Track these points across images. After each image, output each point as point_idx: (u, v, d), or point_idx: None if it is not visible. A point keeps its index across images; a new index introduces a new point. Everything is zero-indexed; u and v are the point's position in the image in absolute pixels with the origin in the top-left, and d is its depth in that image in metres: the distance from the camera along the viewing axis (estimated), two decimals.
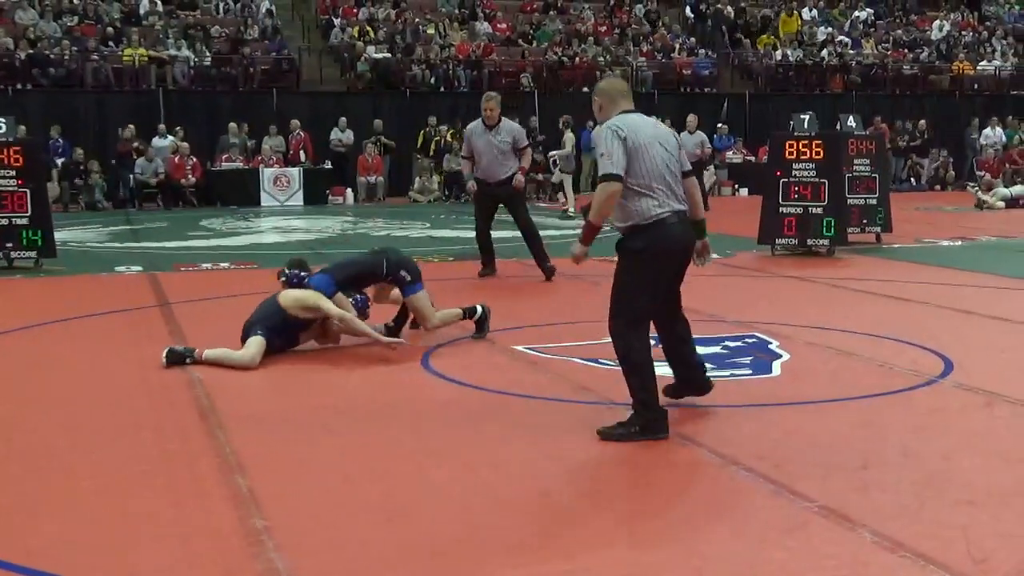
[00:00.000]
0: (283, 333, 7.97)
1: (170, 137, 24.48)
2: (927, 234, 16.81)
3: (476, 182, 12.35)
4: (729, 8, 33.59)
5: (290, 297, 8.00)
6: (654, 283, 5.99)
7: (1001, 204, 22.04)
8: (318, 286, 8.11)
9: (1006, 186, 23.75)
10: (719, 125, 28.82)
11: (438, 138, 26.07)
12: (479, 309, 8.72)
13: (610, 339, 5.99)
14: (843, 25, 34.49)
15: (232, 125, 25.11)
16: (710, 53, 31.80)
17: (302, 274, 8.27)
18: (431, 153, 25.99)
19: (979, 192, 22.70)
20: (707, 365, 7.67)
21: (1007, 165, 27.22)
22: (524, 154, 12.30)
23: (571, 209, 20.39)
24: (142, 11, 28.52)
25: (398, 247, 9.62)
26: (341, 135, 25.73)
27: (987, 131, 28.79)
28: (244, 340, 7.80)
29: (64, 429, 6.15)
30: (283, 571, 4.08)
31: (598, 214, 5.83)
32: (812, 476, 5.13)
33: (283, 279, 8.28)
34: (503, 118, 12.24)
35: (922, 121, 29.27)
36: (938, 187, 28.33)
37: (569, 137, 23.39)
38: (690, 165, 6.36)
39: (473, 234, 12.95)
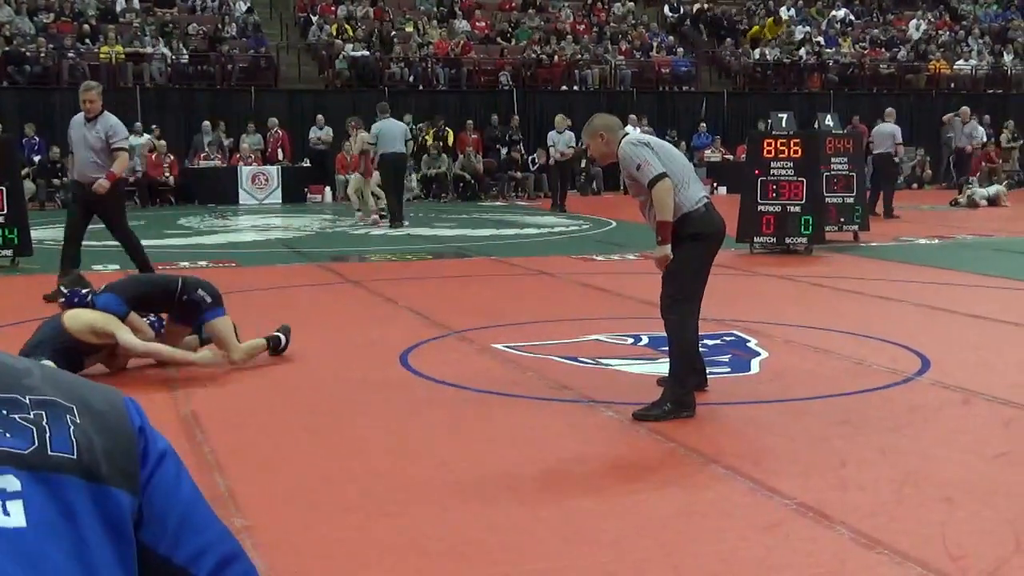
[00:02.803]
0: (67, 357, 6.86)
1: (147, 135, 24.37)
2: (905, 232, 16.89)
3: (74, 184, 10.99)
4: (707, 7, 33.68)
5: (79, 321, 7.02)
6: (706, 265, 6.48)
7: (980, 199, 22.11)
8: (106, 307, 7.20)
9: (981, 186, 23.84)
10: (702, 124, 28.88)
11: (417, 136, 26.02)
12: (282, 339, 7.90)
13: (663, 319, 6.41)
14: (820, 24, 34.61)
15: (206, 124, 25.01)
16: (689, 53, 31.85)
17: (83, 292, 7.32)
18: (411, 152, 25.91)
19: (972, 191, 22.69)
20: None
21: (983, 164, 27.34)
22: (117, 157, 10.51)
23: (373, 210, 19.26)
24: (119, 8, 28.38)
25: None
26: (319, 133, 25.68)
27: (970, 129, 28.72)
28: None
29: None
30: (263, 570, 4.06)
31: (667, 212, 6.20)
32: (790, 474, 5.15)
33: (62, 300, 7.33)
34: (106, 111, 10.65)
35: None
36: (915, 185, 28.45)
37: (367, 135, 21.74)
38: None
39: (451, 232, 12.91)
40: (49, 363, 6.07)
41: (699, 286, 6.43)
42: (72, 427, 1.12)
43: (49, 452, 1.09)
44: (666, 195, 6.19)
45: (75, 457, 1.10)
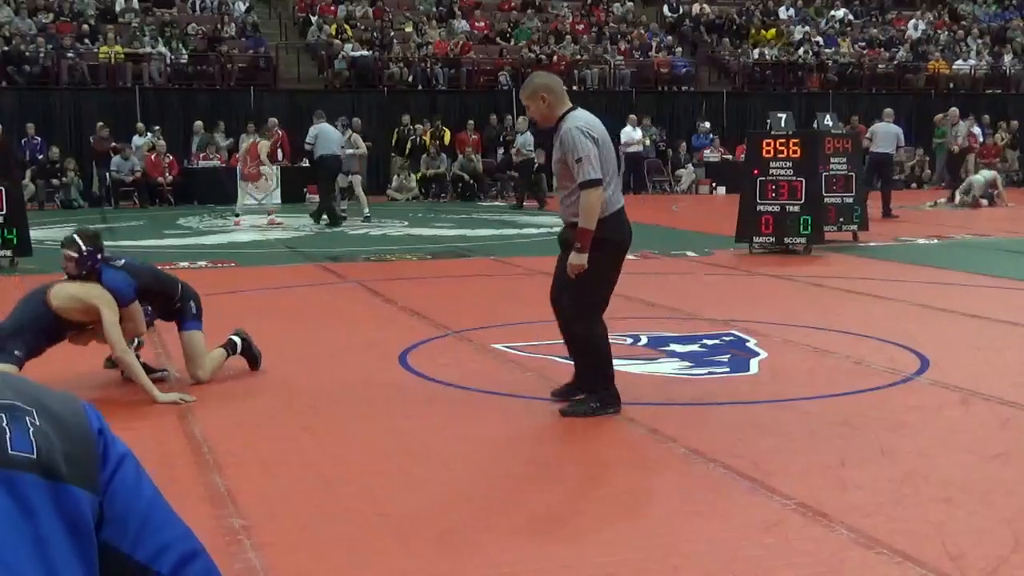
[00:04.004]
0: (49, 336, 6.62)
1: (148, 134, 24.37)
2: (904, 232, 16.89)
3: None
4: (707, 7, 33.68)
5: (65, 294, 6.54)
6: (616, 271, 6.22)
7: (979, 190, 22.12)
8: (114, 284, 6.69)
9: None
10: (704, 124, 28.86)
11: (414, 137, 26.03)
12: (237, 342, 7.46)
13: (568, 331, 6.23)
14: (820, 24, 34.61)
15: (197, 123, 25.00)
16: (689, 53, 31.86)
17: (98, 256, 6.71)
18: (407, 152, 25.93)
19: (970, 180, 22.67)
20: (685, 363, 7.74)
21: (975, 158, 27.27)
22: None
23: (366, 210, 19.63)
24: (118, 8, 28.39)
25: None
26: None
27: (956, 131, 28.70)
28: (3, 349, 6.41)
29: None
30: (261, 570, 4.07)
31: (592, 221, 5.95)
32: (789, 473, 5.15)
33: (76, 258, 6.61)
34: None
35: (937, 116, 29.35)
36: (914, 185, 28.45)
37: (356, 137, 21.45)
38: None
39: (450, 232, 12.92)
40: (10, 367, 5.87)
41: (607, 293, 6.25)
42: (32, 428, 1.15)
43: (9, 451, 1.12)
44: (596, 203, 5.95)
45: (34, 456, 1.14)
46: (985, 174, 22.97)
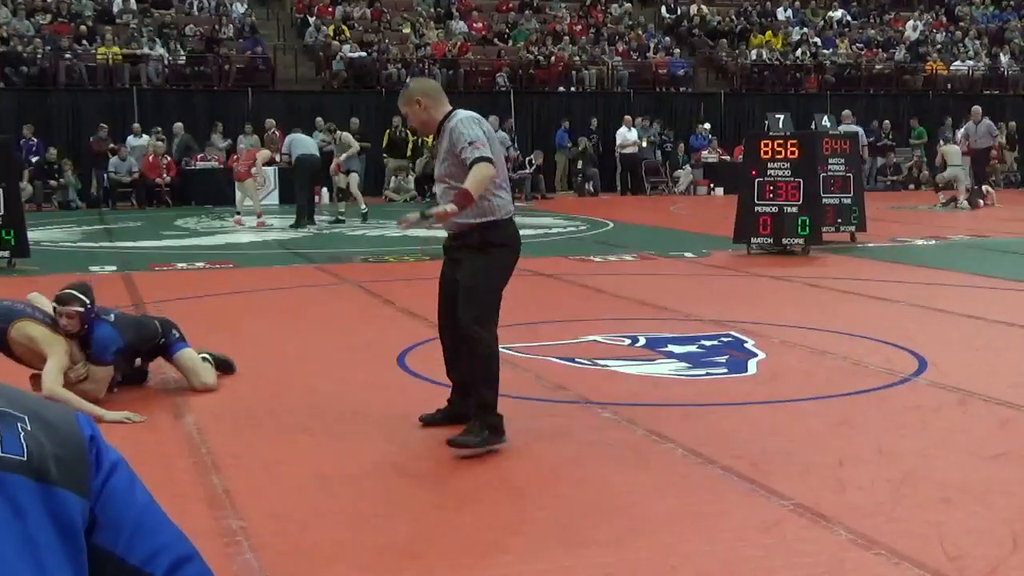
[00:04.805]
0: None
1: (145, 136, 24.36)
2: (901, 233, 16.90)
3: None
4: (705, 8, 33.71)
5: (26, 335, 6.41)
6: (506, 279, 5.87)
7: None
8: (100, 345, 6.52)
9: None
10: (704, 125, 28.86)
11: (414, 138, 26.01)
12: (208, 357, 7.24)
13: (465, 341, 5.72)
14: (817, 25, 34.64)
15: (177, 125, 24.97)
16: (687, 54, 31.88)
17: (94, 311, 6.59)
18: (407, 154, 25.90)
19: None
20: (683, 364, 7.72)
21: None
22: None
23: (363, 206, 19.71)
24: (116, 9, 28.38)
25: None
26: (318, 133, 25.62)
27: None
28: None
29: None
30: (259, 571, 4.06)
31: (478, 189, 5.48)
32: (788, 474, 5.15)
33: (81, 313, 6.46)
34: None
35: (886, 121, 29.49)
36: (912, 186, 28.47)
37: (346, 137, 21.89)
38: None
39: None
40: None
41: (498, 302, 5.83)
42: (23, 433, 1.18)
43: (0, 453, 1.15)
44: (486, 177, 5.48)
45: (25, 459, 1.16)
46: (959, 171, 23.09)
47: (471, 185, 5.45)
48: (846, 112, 20.61)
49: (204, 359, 7.15)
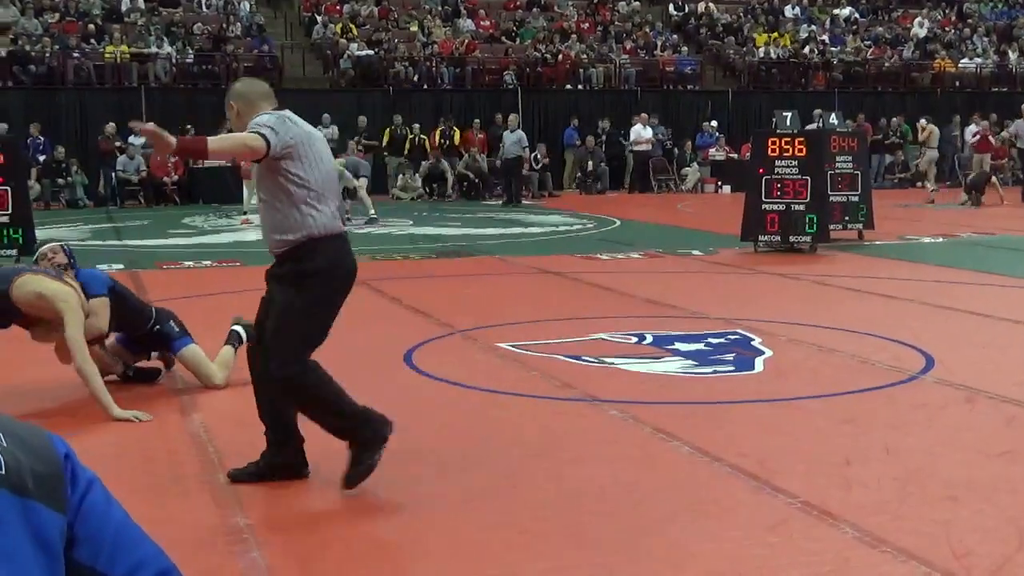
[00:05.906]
0: None
1: None
2: (909, 231, 16.87)
3: None
4: (712, 6, 33.68)
5: (31, 291, 6.17)
6: (332, 307, 4.99)
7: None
8: (91, 274, 6.67)
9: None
10: (713, 123, 28.82)
11: (412, 136, 26.04)
12: (241, 332, 7.14)
13: (279, 388, 4.97)
14: (825, 22, 34.58)
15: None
16: (694, 52, 31.85)
17: (73, 262, 6.72)
18: (407, 152, 25.91)
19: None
20: (690, 362, 7.72)
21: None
22: None
23: (372, 211, 19.42)
24: (124, 8, 28.42)
25: None
26: (326, 131, 25.69)
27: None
28: None
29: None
30: (265, 569, 4.07)
31: (220, 145, 4.88)
32: (794, 472, 5.15)
33: (59, 246, 6.78)
34: None
35: (895, 119, 29.43)
36: (920, 184, 28.39)
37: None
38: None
39: (455, 231, 12.91)
40: None
41: (319, 337, 4.96)
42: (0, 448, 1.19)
43: None
44: (239, 142, 4.76)
45: (3, 472, 1.18)
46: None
47: (215, 138, 4.86)
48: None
49: (235, 332, 7.17)
